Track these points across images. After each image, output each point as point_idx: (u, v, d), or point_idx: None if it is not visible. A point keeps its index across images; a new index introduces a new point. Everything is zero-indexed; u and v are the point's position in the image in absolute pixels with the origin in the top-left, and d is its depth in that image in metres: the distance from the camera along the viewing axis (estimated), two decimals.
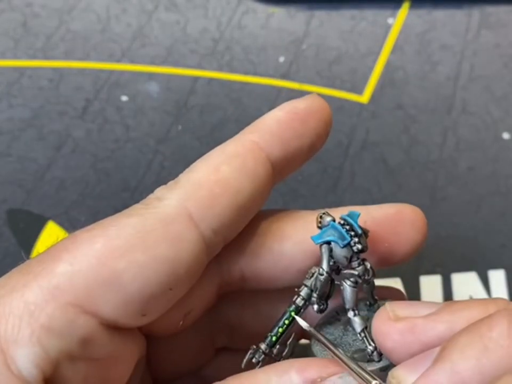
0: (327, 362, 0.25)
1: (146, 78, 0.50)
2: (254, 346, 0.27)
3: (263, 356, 0.27)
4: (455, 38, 0.52)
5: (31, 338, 0.23)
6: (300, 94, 0.26)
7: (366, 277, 0.27)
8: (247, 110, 0.48)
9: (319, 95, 0.29)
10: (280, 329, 0.27)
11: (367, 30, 0.52)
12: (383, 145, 0.47)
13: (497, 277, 0.42)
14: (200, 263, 0.26)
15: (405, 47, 0.52)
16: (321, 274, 0.26)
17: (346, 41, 0.52)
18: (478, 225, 0.44)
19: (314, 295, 0.27)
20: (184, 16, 0.53)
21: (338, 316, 0.28)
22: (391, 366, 0.25)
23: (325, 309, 0.27)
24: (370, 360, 0.26)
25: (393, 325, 0.24)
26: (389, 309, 0.25)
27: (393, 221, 0.28)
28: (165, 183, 0.27)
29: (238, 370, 0.26)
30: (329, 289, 0.27)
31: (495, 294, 0.42)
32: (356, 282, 0.27)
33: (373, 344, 0.26)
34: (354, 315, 0.27)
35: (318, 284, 0.27)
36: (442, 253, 0.43)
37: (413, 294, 0.41)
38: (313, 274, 0.27)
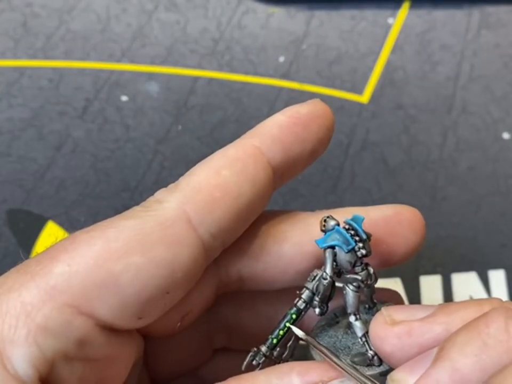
0: (328, 366, 0.25)
1: (146, 78, 0.50)
2: (255, 349, 0.27)
3: (263, 358, 0.27)
4: (455, 38, 0.52)
5: (27, 338, 0.23)
6: (300, 94, 0.26)
7: (369, 282, 0.27)
8: (247, 110, 0.48)
9: (319, 95, 0.29)
10: (281, 332, 0.27)
11: (367, 30, 0.52)
12: (383, 145, 0.47)
13: (497, 277, 0.42)
14: (198, 266, 0.26)
15: (405, 47, 0.52)
16: (325, 279, 0.26)
17: (346, 41, 0.52)
18: (478, 225, 0.44)
19: (317, 298, 0.27)
20: (184, 16, 0.53)
21: (337, 318, 0.28)
22: (390, 370, 0.25)
23: (326, 311, 0.27)
24: (370, 365, 0.26)
25: (390, 329, 0.24)
26: (385, 314, 0.25)
27: (391, 222, 0.28)
28: (165, 183, 0.27)
29: (236, 370, 0.26)
30: (330, 292, 0.27)
31: (495, 294, 0.41)
32: (358, 287, 0.27)
33: (374, 349, 0.26)
34: (356, 319, 0.26)
35: (321, 288, 0.27)
36: (442, 253, 0.43)
37: (413, 294, 0.41)
38: (315, 277, 0.27)
